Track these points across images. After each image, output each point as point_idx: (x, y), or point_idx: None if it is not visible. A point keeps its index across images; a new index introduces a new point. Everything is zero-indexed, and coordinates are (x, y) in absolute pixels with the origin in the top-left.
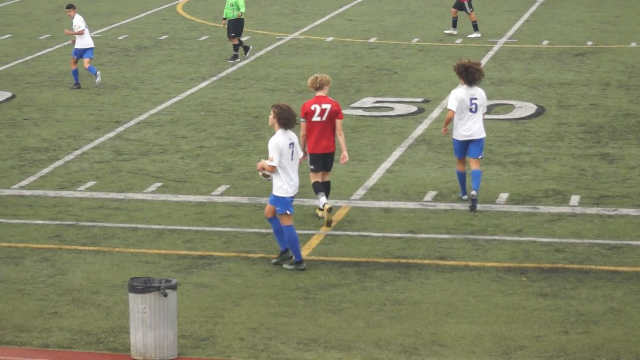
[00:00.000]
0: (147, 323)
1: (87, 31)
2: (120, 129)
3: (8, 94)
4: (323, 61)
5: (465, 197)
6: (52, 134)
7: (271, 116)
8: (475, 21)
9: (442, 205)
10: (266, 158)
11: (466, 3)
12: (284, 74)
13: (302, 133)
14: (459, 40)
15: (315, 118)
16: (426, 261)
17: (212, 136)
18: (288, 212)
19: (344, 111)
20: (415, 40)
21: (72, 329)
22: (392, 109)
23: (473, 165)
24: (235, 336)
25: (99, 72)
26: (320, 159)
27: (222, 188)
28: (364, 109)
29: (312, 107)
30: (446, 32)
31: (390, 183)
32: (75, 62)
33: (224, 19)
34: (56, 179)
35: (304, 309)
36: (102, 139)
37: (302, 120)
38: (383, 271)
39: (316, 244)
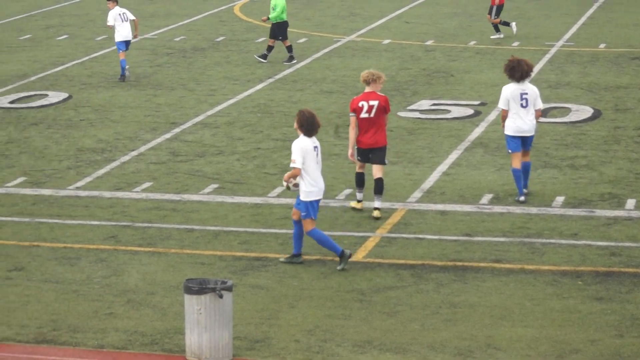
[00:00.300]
0: (202, 324)
1: (123, 24)
2: (177, 130)
3: (65, 95)
4: (380, 63)
5: (522, 198)
6: (108, 134)
7: (295, 122)
8: (496, 24)
9: (498, 208)
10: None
11: (494, 7)
12: (340, 76)
13: (350, 127)
14: (516, 43)
15: (363, 115)
16: (482, 264)
17: (269, 138)
18: (313, 218)
19: (401, 113)
20: (472, 42)
21: (127, 329)
22: (448, 111)
23: (524, 156)
24: (290, 338)
25: (127, 67)
26: (366, 153)
27: (278, 190)
28: (421, 111)
29: (360, 104)
30: (492, 37)
31: (447, 186)
32: (122, 53)
33: (268, 18)
34: (112, 180)
35: (359, 311)
36: (158, 140)
37: (351, 114)
38: (439, 274)
39: (372, 246)
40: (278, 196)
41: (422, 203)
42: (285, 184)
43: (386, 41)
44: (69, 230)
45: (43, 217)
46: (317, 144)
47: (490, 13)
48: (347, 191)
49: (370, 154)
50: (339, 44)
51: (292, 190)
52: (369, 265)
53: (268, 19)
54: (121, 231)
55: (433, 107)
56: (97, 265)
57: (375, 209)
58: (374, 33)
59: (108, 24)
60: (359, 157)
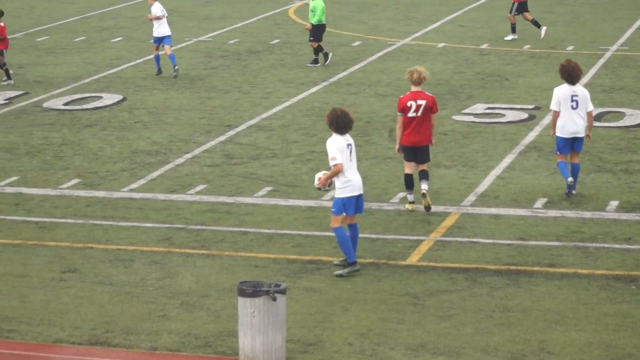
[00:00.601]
0: (255, 327)
1: (164, 20)
2: (231, 132)
3: (119, 97)
4: (434, 67)
5: (570, 179)
6: (162, 137)
7: (327, 120)
8: (514, 24)
9: (552, 213)
10: (375, 168)
11: (516, 4)
12: (395, 79)
13: (397, 126)
14: (570, 47)
15: (411, 114)
16: (536, 268)
17: (323, 141)
18: (345, 213)
19: (455, 117)
20: (527, 47)
21: (181, 332)
22: (503, 115)
23: (573, 158)
24: (343, 341)
25: (177, 68)
26: (411, 150)
27: (333, 193)
28: (475, 115)
29: (409, 104)
30: (506, 38)
31: (501, 190)
32: (157, 48)
33: (311, 23)
34: (166, 182)
35: (412, 314)
36: (212, 143)
37: (398, 114)
38: (492, 278)
39: (426, 250)
40: (332, 199)
41: (476, 207)
42: (316, 184)
43: (441, 45)
44: (123, 232)
45: (97, 218)
46: (351, 141)
47: (512, 10)
48: (401, 194)
49: (416, 152)
50: (393, 47)
51: (325, 190)
52: (423, 269)
53: (312, 25)
54: (175, 233)
55: (487, 111)
56: (151, 267)
57: (423, 195)
58: (429, 36)
59: (157, 15)
60: (404, 155)
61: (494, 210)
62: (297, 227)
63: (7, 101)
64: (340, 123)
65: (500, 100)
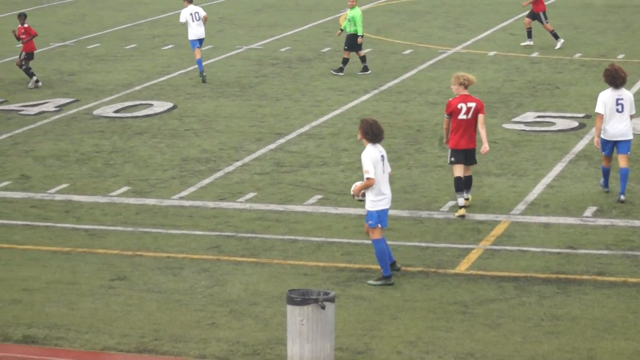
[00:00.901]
0: (304, 335)
1: (194, 23)
2: (282, 140)
3: (169, 104)
4: (485, 75)
5: (607, 189)
6: (213, 144)
7: (359, 131)
8: (553, 30)
9: (601, 221)
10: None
11: (541, 13)
12: (445, 88)
13: (444, 127)
14: (621, 55)
15: (462, 116)
16: (585, 277)
17: None
18: (380, 225)
19: (505, 125)
20: (578, 55)
21: (230, 340)
22: (553, 123)
23: (621, 162)
24: (392, 349)
25: (205, 75)
26: (462, 153)
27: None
28: (526, 123)
29: (459, 106)
30: (523, 44)
31: (551, 198)
32: (197, 51)
33: (341, 30)
34: (216, 190)
35: (461, 323)
36: (263, 151)
37: (446, 116)
38: (541, 286)
39: (475, 258)
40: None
41: (526, 215)
42: (352, 193)
43: (492, 53)
44: (172, 239)
45: (146, 226)
46: (384, 152)
47: (529, 16)
48: (451, 203)
49: (466, 154)
50: (444, 55)
51: (359, 199)
52: (472, 278)
53: (362, 36)
54: (224, 241)
55: (538, 119)
56: (200, 275)
57: (465, 199)
58: (480, 45)
59: (180, 21)
60: (453, 159)
61: (543, 219)
62: (347, 235)
63: (57, 108)
64: (376, 130)
65: (551, 109)
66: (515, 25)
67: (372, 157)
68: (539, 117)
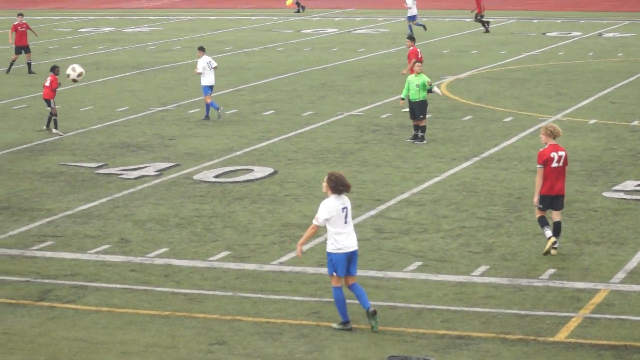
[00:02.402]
0: None
1: (208, 72)
2: (382, 207)
3: (270, 170)
4: (585, 143)
5: None
6: (313, 210)
7: (324, 184)
8: None
9: None
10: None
11: None
12: None
13: (538, 177)
14: None
15: (554, 164)
16: None
17: (474, 216)
18: (335, 273)
19: (605, 194)
20: None
21: None
22: None
23: None
24: None
25: (222, 108)
26: (550, 200)
27: (482, 268)
28: (625, 192)
29: (552, 155)
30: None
31: None
32: (208, 97)
33: (402, 99)
34: (316, 256)
35: None
36: (363, 217)
37: (539, 166)
38: None
39: (574, 327)
40: (481, 275)
41: (625, 284)
42: (299, 249)
43: (592, 121)
44: (272, 305)
45: (246, 291)
46: (347, 204)
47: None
48: (551, 271)
49: (554, 200)
50: (544, 123)
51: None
52: (571, 346)
53: (443, 94)
54: (324, 307)
55: (638, 188)
56: (300, 340)
57: (554, 247)
58: (580, 113)
59: (197, 71)
60: (540, 206)
61: None
62: (447, 303)
63: (158, 173)
64: (335, 184)
65: None
66: (616, 93)
67: (330, 205)
68: (638, 185)
